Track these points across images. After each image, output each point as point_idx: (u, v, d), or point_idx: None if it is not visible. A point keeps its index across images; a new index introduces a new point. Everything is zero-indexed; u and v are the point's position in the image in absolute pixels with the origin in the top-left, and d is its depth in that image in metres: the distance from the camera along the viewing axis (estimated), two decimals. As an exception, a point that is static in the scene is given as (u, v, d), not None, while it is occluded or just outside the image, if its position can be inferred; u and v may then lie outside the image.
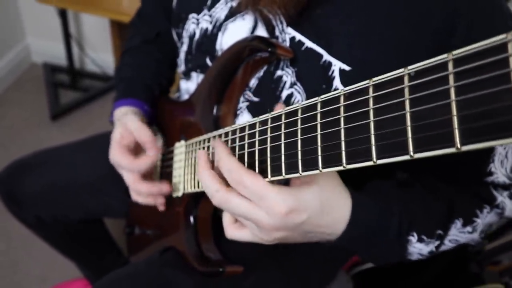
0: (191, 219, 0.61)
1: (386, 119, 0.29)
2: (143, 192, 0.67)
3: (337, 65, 0.50)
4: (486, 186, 0.54)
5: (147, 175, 0.69)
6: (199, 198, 0.61)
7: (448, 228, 0.51)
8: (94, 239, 1.04)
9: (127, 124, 0.67)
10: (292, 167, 0.37)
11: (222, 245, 0.63)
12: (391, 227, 0.48)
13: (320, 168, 0.34)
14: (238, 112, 0.60)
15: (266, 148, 0.41)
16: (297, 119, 0.37)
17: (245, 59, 0.54)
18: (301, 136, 0.37)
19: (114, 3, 1.34)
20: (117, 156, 0.66)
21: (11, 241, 1.41)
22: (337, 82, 0.51)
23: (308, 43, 0.52)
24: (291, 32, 0.53)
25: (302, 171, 0.36)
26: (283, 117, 0.40)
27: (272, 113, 0.42)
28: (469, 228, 0.52)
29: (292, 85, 0.54)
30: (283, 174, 0.38)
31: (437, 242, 0.51)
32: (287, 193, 0.40)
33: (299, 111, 0.37)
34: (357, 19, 0.49)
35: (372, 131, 0.29)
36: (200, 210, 0.61)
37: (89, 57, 2.00)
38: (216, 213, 0.66)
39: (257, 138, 0.43)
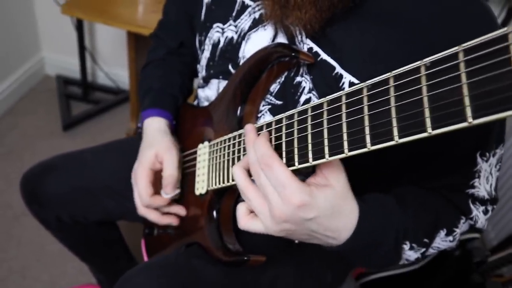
0: (214, 213, 0.65)
1: (406, 104, 0.33)
2: (149, 219, 0.73)
3: (347, 78, 0.54)
4: (466, 198, 0.58)
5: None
6: (222, 194, 0.65)
7: (433, 238, 0.56)
8: (110, 242, 1.07)
9: (165, 161, 0.72)
10: (319, 153, 0.42)
11: (241, 242, 0.67)
12: (390, 238, 0.52)
13: (346, 152, 0.38)
14: (259, 114, 0.65)
15: (293, 139, 0.45)
16: (323, 111, 0.42)
17: (270, 64, 0.59)
18: (327, 125, 0.41)
19: (132, 16, 1.41)
20: (140, 176, 0.72)
21: (22, 247, 1.44)
22: None
23: (323, 55, 0.56)
24: (309, 43, 0.58)
25: (329, 156, 0.40)
26: (309, 110, 0.44)
27: (299, 108, 0.46)
28: (450, 238, 0.58)
29: (310, 91, 0.59)
30: (310, 160, 0.43)
31: (423, 249, 0.56)
32: (304, 188, 0.44)
33: (325, 104, 0.42)
34: (368, 38, 0.53)
35: (394, 115, 0.34)
36: (222, 205, 0.65)
37: (102, 71, 2.06)
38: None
39: (283, 131, 0.47)
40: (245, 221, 0.51)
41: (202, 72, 0.76)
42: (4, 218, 1.51)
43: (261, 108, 0.64)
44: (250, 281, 0.66)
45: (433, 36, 0.50)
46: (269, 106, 0.64)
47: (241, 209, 0.52)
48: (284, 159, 0.46)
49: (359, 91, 0.38)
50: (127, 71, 1.71)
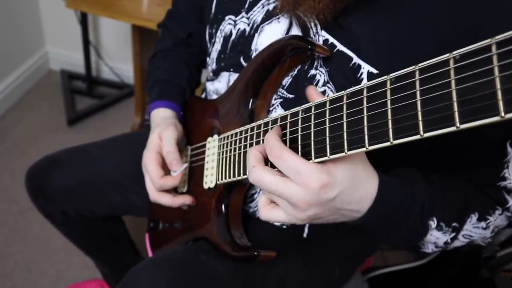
0: (223, 207, 0.64)
1: (433, 97, 0.32)
2: (162, 203, 0.72)
3: (365, 68, 0.53)
4: (499, 189, 0.56)
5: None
6: (232, 188, 0.64)
7: (463, 222, 0.53)
8: (115, 237, 1.06)
9: (163, 139, 0.72)
10: (337, 147, 0.41)
11: (249, 237, 0.66)
12: (415, 207, 0.49)
13: (367, 146, 0.37)
14: (271, 108, 0.64)
15: (310, 133, 0.44)
16: (342, 105, 0.41)
17: (283, 57, 0.58)
18: (346, 119, 0.40)
19: (137, 9, 1.40)
20: (148, 160, 0.72)
21: (27, 242, 1.44)
22: None
23: (340, 46, 0.55)
24: (324, 34, 0.57)
25: (348, 150, 0.39)
26: (327, 103, 0.43)
27: (316, 101, 0.45)
28: (483, 224, 0.54)
29: (325, 83, 0.58)
30: (328, 154, 0.42)
31: (453, 234, 0.53)
32: (321, 169, 0.42)
33: (344, 97, 0.41)
34: (386, 27, 0.52)
35: (419, 108, 0.33)
36: (231, 199, 0.64)
37: (106, 65, 2.05)
38: (243, 207, 0.69)
39: (299, 125, 0.46)
40: (266, 211, 0.50)
41: (212, 65, 0.75)
42: (9, 213, 1.51)
43: (273, 101, 0.63)
44: (258, 277, 0.66)
45: (452, 24, 0.49)
46: (281, 100, 0.63)
47: (261, 200, 0.51)
48: (300, 153, 0.45)
49: (382, 84, 0.37)
50: (131, 65, 1.70)
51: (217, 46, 0.72)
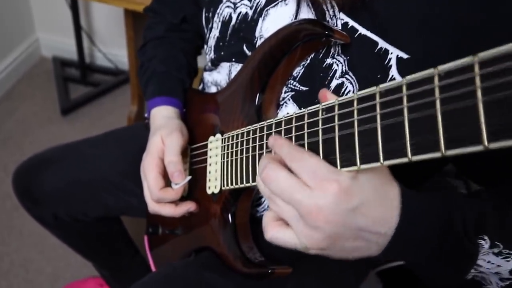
0: (229, 216, 0.57)
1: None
2: (163, 214, 0.64)
3: (394, 53, 0.46)
4: None
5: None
6: (239, 194, 0.57)
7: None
8: (112, 239, 1.00)
9: (165, 147, 0.63)
10: (371, 157, 0.33)
11: (259, 247, 0.59)
12: (454, 220, 0.40)
13: (382, 161, 0.30)
14: (281, 102, 0.56)
15: (318, 141, 0.37)
16: (374, 104, 0.33)
17: (295, 44, 0.50)
18: (381, 121, 0.33)
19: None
20: (148, 167, 0.63)
21: (23, 239, 1.38)
22: (393, 71, 0.47)
23: (362, 30, 0.47)
24: (343, 17, 0.49)
25: (361, 164, 0.33)
26: (336, 108, 0.36)
27: (324, 103, 0.38)
28: None
29: (343, 74, 0.50)
30: (358, 164, 0.35)
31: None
32: (341, 172, 0.36)
33: (355, 102, 0.33)
34: (418, 4, 0.44)
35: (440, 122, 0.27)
36: (238, 207, 0.57)
37: (100, 51, 1.96)
38: (252, 214, 0.62)
39: (306, 130, 0.40)
40: (272, 229, 0.42)
41: (210, 54, 0.66)
42: (3, 210, 1.45)
43: (283, 95, 0.55)
44: None
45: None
46: (292, 93, 0.55)
47: (268, 216, 0.43)
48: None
49: (429, 79, 0.29)
50: (126, 51, 1.62)
51: (215, 32, 0.63)
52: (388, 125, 0.32)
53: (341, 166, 0.36)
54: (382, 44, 0.46)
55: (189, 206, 0.62)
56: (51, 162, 0.83)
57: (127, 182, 0.83)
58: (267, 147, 0.47)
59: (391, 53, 0.46)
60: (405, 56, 0.45)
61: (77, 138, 0.90)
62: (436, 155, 0.28)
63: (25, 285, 1.27)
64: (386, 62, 0.46)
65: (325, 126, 0.38)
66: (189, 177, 0.63)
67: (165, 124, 0.65)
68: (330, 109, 0.38)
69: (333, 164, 0.37)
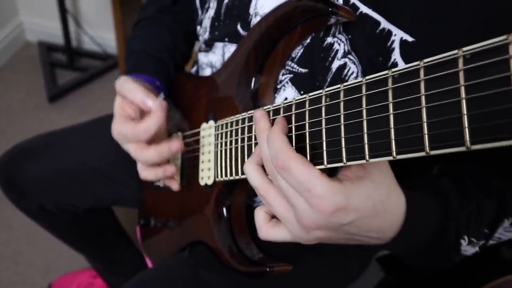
0: (224, 210, 0.53)
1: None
2: (152, 159, 0.57)
3: (398, 35, 0.42)
4: None
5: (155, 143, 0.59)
6: (233, 186, 0.53)
7: (496, 228, 0.46)
8: (103, 230, 0.97)
9: (121, 90, 0.57)
10: (356, 152, 0.30)
11: (257, 239, 0.56)
12: (449, 233, 0.42)
13: (394, 154, 0.27)
14: (279, 86, 0.52)
15: (321, 130, 0.34)
16: (387, 90, 0.29)
17: (294, 23, 0.45)
18: (393, 110, 0.29)
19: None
20: (118, 125, 0.57)
21: (12, 231, 1.34)
22: (396, 55, 0.43)
23: (364, 8, 0.44)
24: None
25: (369, 158, 0.29)
26: (341, 94, 0.33)
27: (327, 88, 0.35)
28: None
29: (345, 54, 0.46)
30: (344, 160, 0.32)
31: (483, 242, 0.46)
32: (337, 188, 0.34)
33: (363, 87, 0.30)
34: None
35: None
36: (233, 200, 0.53)
37: (87, 35, 1.89)
38: (249, 204, 0.58)
39: (307, 120, 0.36)
40: (266, 230, 0.42)
41: (204, 35, 0.62)
42: (-10, 201, 1.41)
43: (281, 77, 0.51)
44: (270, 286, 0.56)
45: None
46: (291, 75, 0.51)
47: (259, 214, 0.43)
48: (308, 156, 0.36)
49: (414, 72, 0.25)
50: (114, 34, 1.55)
51: (211, 12, 0.59)
52: (401, 113, 0.28)
53: (347, 160, 0.34)
54: (384, 24, 0.43)
55: (174, 144, 0.56)
56: (36, 151, 0.79)
57: (116, 171, 0.80)
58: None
59: (395, 34, 0.42)
60: (410, 39, 0.42)
61: (65, 125, 0.86)
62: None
63: (16, 278, 1.24)
64: (389, 44, 0.43)
65: (329, 116, 0.34)
66: (162, 94, 0.58)
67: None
68: (334, 95, 0.34)
69: (339, 155, 0.33)
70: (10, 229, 1.35)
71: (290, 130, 0.39)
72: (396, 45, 0.43)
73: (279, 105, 0.41)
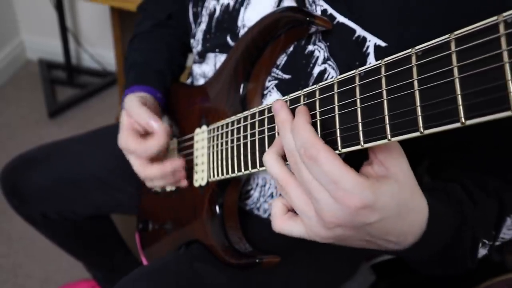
0: (217, 208, 0.56)
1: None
2: (155, 176, 0.61)
3: (372, 41, 0.46)
4: None
5: (157, 160, 0.63)
6: (226, 186, 0.57)
7: (500, 227, 0.47)
8: (103, 237, 1.00)
9: (129, 110, 0.61)
10: (377, 133, 0.32)
11: (249, 239, 0.59)
12: (467, 239, 0.43)
13: (422, 130, 0.29)
14: (265, 92, 0.56)
15: (335, 116, 0.35)
16: (380, 78, 0.32)
17: (277, 33, 0.50)
18: (387, 96, 0.32)
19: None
20: (124, 139, 0.61)
21: (12, 243, 1.36)
22: (371, 59, 0.47)
23: (340, 18, 0.48)
24: (322, 4, 0.49)
25: (342, 148, 0.32)
26: (317, 93, 0.36)
27: (305, 89, 0.38)
28: None
29: (325, 60, 0.51)
30: (362, 143, 0.33)
31: (491, 243, 0.47)
32: (366, 183, 0.33)
33: (335, 86, 0.33)
34: None
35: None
36: (225, 198, 0.57)
37: (87, 52, 1.94)
38: (238, 204, 0.62)
39: (318, 109, 0.38)
40: (281, 222, 0.40)
41: (197, 47, 0.67)
42: (-10, 214, 1.43)
43: (267, 84, 0.55)
44: (261, 283, 0.59)
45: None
46: (276, 82, 0.55)
47: (277, 205, 0.41)
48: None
49: (406, 59, 0.29)
50: (113, 51, 1.60)
51: (203, 26, 0.64)
52: (367, 106, 0.32)
53: (342, 146, 0.35)
54: (360, 32, 0.47)
55: (176, 163, 0.60)
56: (38, 159, 0.83)
57: (116, 179, 0.83)
58: (251, 136, 0.47)
59: (369, 40, 0.46)
60: (382, 44, 0.46)
61: (65, 139, 0.89)
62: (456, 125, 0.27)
63: (15, 289, 1.26)
64: (364, 49, 0.47)
65: (324, 108, 0.37)
66: (165, 117, 0.61)
67: (133, 103, 0.63)
68: (311, 94, 0.38)
69: (334, 142, 0.36)
70: (9, 242, 1.36)
71: (313, 117, 0.38)
72: (371, 50, 0.46)
73: (264, 107, 0.44)
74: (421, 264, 0.45)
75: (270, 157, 0.40)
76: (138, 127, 0.61)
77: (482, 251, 0.46)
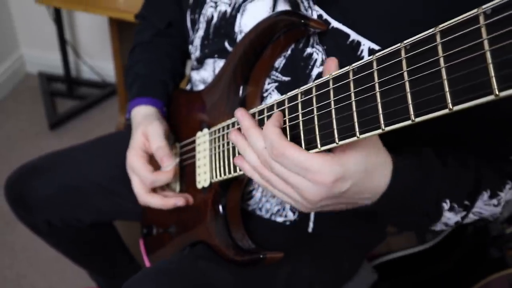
0: (220, 208, 0.58)
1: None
2: (155, 205, 0.66)
3: (366, 45, 0.48)
4: (510, 163, 0.53)
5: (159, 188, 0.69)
6: (228, 186, 0.58)
7: (475, 200, 0.51)
8: (106, 244, 1.00)
9: (149, 136, 0.66)
10: (347, 131, 0.35)
11: (251, 240, 0.60)
12: (430, 194, 0.47)
13: (383, 127, 0.32)
14: (265, 94, 0.58)
15: (313, 117, 0.39)
16: (349, 82, 0.35)
17: (274, 37, 0.52)
18: (354, 98, 0.34)
19: (113, 0, 1.32)
20: (134, 159, 0.66)
21: (16, 255, 1.37)
22: None
23: (334, 23, 0.50)
24: (317, 9, 0.51)
25: (360, 134, 0.34)
26: (331, 82, 0.38)
27: (319, 80, 0.40)
28: (494, 201, 0.52)
29: (323, 62, 0.52)
30: (337, 140, 0.36)
31: (464, 213, 0.51)
32: (332, 161, 0.39)
33: (350, 73, 0.35)
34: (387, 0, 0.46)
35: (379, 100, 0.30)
36: (228, 198, 0.58)
37: (86, 64, 1.97)
38: (243, 208, 0.63)
39: (300, 111, 0.41)
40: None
41: (195, 53, 0.69)
42: (-7, 226, 1.44)
43: (267, 86, 0.57)
44: (264, 280, 0.60)
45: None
46: (276, 84, 0.57)
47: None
48: (303, 142, 0.40)
49: (395, 52, 0.31)
50: (112, 63, 1.63)
51: (201, 32, 0.66)
52: (362, 99, 0.34)
53: (321, 145, 0.39)
54: (354, 36, 0.49)
55: (177, 199, 0.64)
56: (42, 168, 0.84)
57: (119, 186, 0.84)
58: None
59: (363, 44, 0.48)
60: (376, 47, 0.48)
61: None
62: (407, 123, 0.30)
63: (20, 300, 1.26)
64: (359, 53, 0.49)
65: (305, 110, 0.40)
66: (177, 159, 0.65)
67: (143, 121, 0.68)
68: (308, 91, 0.40)
69: (313, 142, 0.39)
70: (13, 253, 1.37)
71: (284, 123, 0.43)
72: (365, 53, 0.48)
73: (272, 103, 0.46)
74: (390, 212, 0.49)
75: (240, 161, 0.47)
76: (150, 150, 0.66)
77: (452, 216, 0.50)
